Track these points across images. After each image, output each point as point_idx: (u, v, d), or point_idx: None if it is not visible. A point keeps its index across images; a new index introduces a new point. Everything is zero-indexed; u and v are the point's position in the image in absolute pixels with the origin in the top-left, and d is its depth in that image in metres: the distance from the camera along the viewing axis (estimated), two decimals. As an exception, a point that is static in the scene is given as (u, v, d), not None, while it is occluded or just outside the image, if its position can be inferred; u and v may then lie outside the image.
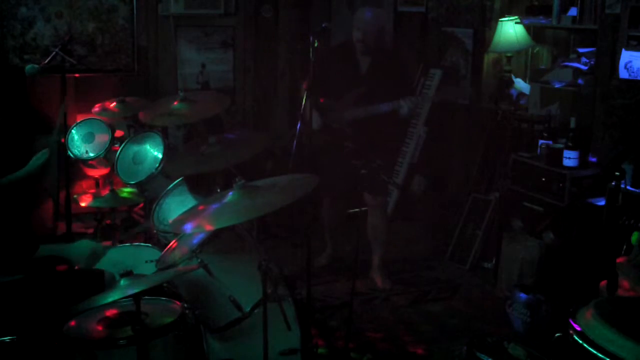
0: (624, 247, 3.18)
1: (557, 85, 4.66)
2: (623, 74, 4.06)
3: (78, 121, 4.75)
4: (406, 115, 4.43)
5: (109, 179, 4.56)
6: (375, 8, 4.93)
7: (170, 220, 3.25)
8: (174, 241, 3.20)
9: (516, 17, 4.95)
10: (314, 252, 4.60)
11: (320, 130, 4.38)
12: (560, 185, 4.15)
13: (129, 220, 5.00)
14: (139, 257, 3.41)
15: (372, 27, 4.43)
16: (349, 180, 4.53)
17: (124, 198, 4.40)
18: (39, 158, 3.24)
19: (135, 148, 4.20)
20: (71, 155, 4.52)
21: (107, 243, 4.11)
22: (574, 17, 4.47)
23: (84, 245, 2.96)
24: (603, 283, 3.11)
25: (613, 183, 3.49)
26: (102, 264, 3.35)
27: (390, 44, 5.82)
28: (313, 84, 4.70)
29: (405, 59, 5.52)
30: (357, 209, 4.85)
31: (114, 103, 4.52)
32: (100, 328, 2.57)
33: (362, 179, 4.40)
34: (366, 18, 4.44)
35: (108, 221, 4.66)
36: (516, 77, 5.13)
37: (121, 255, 3.47)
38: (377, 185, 4.56)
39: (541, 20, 4.80)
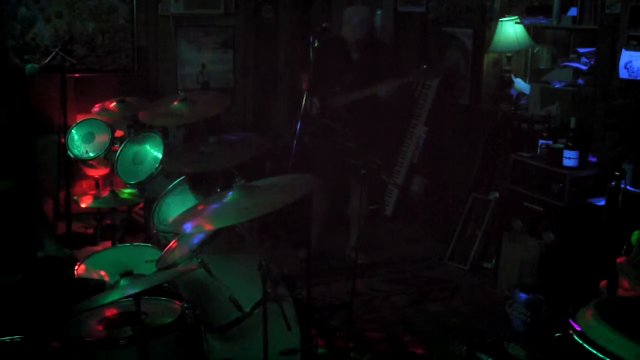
0: (624, 247, 3.18)
1: (557, 85, 4.66)
2: (623, 74, 4.05)
3: (78, 121, 4.75)
4: (384, 96, 4.68)
5: (109, 179, 4.56)
6: (361, 8, 5.16)
7: (170, 220, 3.25)
8: (174, 241, 3.19)
9: (516, 17, 4.94)
10: (298, 245, 4.74)
11: (318, 114, 4.64)
12: (560, 185, 4.15)
13: (129, 220, 5.00)
14: (139, 257, 3.41)
15: (362, 30, 4.70)
16: (341, 169, 4.71)
17: (124, 198, 4.40)
18: None
19: (135, 148, 4.20)
20: (71, 155, 4.52)
21: (108, 243, 4.12)
22: (574, 17, 4.47)
23: None
24: (603, 283, 3.10)
25: (613, 183, 3.49)
26: (103, 265, 3.35)
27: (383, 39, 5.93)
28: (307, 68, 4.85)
29: (394, 48, 5.82)
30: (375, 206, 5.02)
31: (114, 103, 4.52)
32: (100, 328, 2.58)
33: (352, 167, 4.51)
34: (355, 23, 4.69)
35: (108, 221, 4.66)
36: (516, 77, 5.12)
37: (121, 255, 3.48)
38: (363, 175, 4.65)
39: (541, 20, 4.80)
